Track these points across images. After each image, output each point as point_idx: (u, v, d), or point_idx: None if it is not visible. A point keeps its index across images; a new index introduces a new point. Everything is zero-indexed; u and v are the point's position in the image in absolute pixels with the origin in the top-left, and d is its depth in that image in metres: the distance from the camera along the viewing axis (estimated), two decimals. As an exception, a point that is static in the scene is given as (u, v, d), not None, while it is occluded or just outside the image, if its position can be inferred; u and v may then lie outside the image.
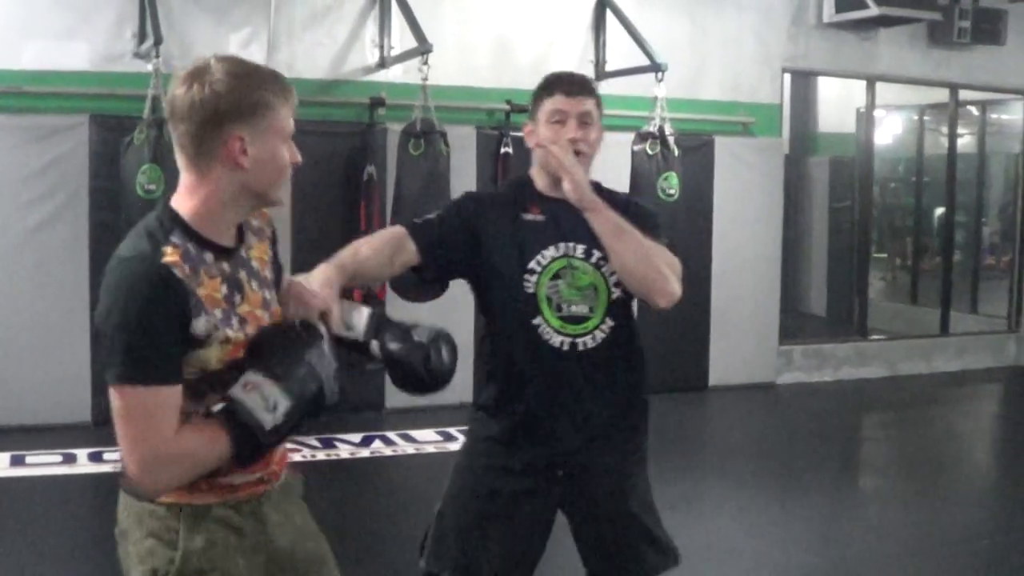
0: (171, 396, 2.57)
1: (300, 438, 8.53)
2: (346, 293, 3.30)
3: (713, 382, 11.38)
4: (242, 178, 2.68)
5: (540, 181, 3.70)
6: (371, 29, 9.93)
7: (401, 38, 9.75)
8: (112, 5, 9.03)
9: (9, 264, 8.68)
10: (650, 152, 9.29)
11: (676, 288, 3.65)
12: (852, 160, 14.38)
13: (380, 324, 3.10)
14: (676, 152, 9.31)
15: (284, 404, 2.64)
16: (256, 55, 9.31)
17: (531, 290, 3.57)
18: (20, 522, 6.78)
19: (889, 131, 15.15)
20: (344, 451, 8.47)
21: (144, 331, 2.52)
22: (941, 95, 13.30)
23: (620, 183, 9.38)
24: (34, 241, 8.71)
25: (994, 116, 14.83)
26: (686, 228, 9.74)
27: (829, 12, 11.64)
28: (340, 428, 8.84)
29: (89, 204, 8.77)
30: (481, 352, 3.77)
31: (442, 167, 8.72)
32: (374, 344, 3.07)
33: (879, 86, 12.56)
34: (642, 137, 9.41)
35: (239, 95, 2.62)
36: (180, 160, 2.71)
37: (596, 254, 3.60)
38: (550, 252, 3.59)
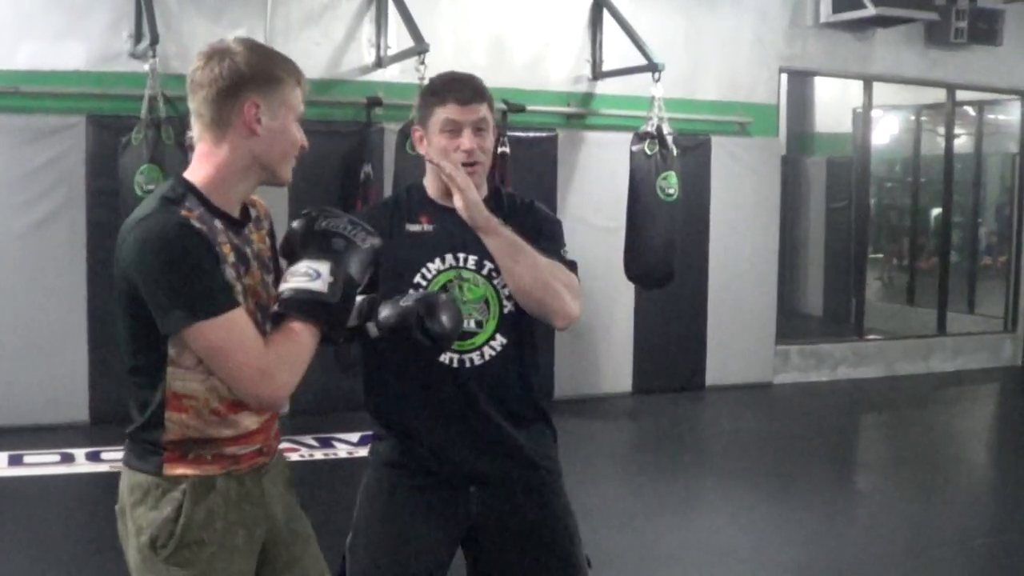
0: (242, 316, 2.70)
1: (297, 437, 8.55)
2: None
3: (710, 382, 11.39)
4: (255, 147, 2.80)
5: (432, 188, 3.54)
6: (368, 29, 9.93)
7: (398, 38, 9.75)
8: (108, 5, 9.02)
9: (6, 264, 8.67)
10: (648, 152, 9.28)
11: (574, 309, 3.44)
12: (849, 160, 14.38)
13: (371, 305, 3.11)
14: (675, 151, 9.31)
15: (324, 267, 2.78)
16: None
17: None
18: (18, 522, 6.78)
19: (886, 131, 15.15)
20: (342, 451, 8.48)
21: (190, 269, 2.63)
22: (938, 95, 13.31)
23: (618, 182, 9.43)
24: (31, 241, 8.71)
25: (991, 116, 14.84)
26: (683, 228, 9.74)
27: (826, 12, 11.65)
28: (338, 427, 8.85)
29: (86, 204, 8.78)
30: (372, 373, 3.58)
31: (439, 166, 8.70)
32: (369, 325, 3.09)
33: (876, 86, 12.57)
34: (640, 137, 9.39)
35: (258, 66, 2.78)
36: (196, 129, 2.83)
37: (488, 265, 3.43)
38: (435, 265, 3.44)
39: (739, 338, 11.40)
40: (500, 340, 3.44)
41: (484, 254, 3.41)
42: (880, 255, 15.85)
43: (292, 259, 2.84)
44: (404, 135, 8.77)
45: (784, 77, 12.07)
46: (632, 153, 9.41)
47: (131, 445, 2.86)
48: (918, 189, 14.80)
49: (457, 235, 3.44)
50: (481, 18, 10.33)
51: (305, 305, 2.75)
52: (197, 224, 2.68)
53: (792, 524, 7.19)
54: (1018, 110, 13.54)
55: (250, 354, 2.68)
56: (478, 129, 3.42)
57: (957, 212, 14.13)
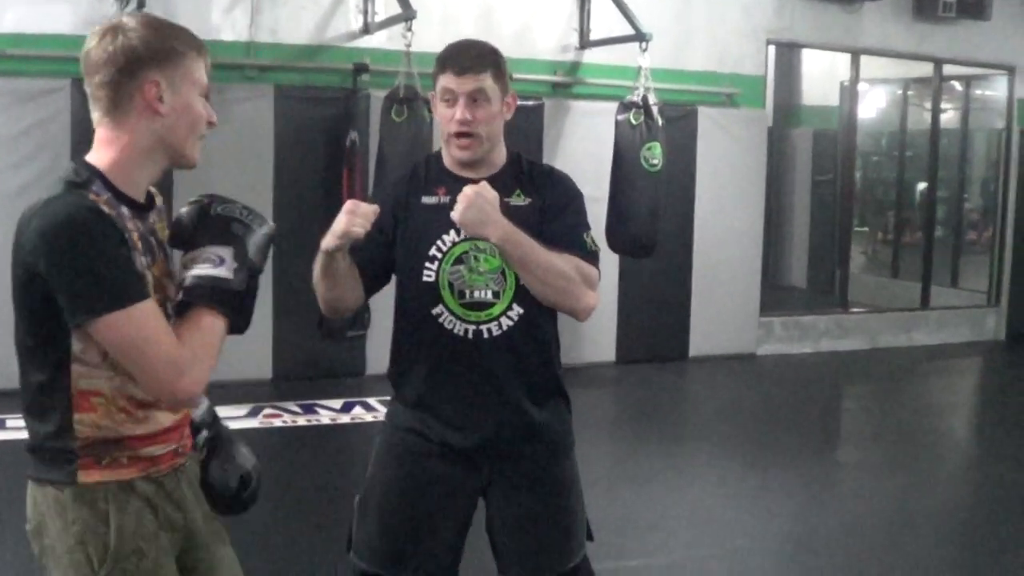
0: (152, 308, 2.54)
1: (281, 403, 8.55)
2: None
3: (693, 352, 11.42)
4: (158, 127, 2.66)
5: (448, 158, 3.54)
6: (355, -6, 9.90)
7: (385, 4, 9.72)
8: (95, -32, 8.98)
9: (-10, 227, 8.64)
10: (634, 122, 9.26)
11: (589, 302, 3.43)
12: (835, 133, 14.40)
13: (215, 419, 3.01)
14: (660, 122, 9.30)
15: (227, 252, 2.67)
16: (240, 20, 9.31)
17: (430, 278, 3.42)
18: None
19: (873, 105, 15.16)
20: (325, 417, 8.48)
21: (100, 256, 2.48)
22: (925, 69, 13.30)
23: (604, 152, 9.41)
24: (16, 205, 8.49)
25: (978, 91, 14.86)
26: (668, 198, 9.74)
27: (814, -16, 11.65)
28: (321, 394, 8.86)
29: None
30: (393, 343, 3.63)
31: (425, 133, 8.70)
32: (202, 436, 2.97)
33: (863, 59, 12.57)
34: (626, 107, 9.37)
35: (154, 42, 2.63)
36: (95, 114, 2.68)
37: None
38: (451, 236, 3.42)
39: (723, 309, 11.43)
40: (517, 310, 3.44)
41: None
42: (865, 228, 15.88)
43: (187, 246, 2.71)
44: (390, 102, 8.75)
45: (772, 49, 12.07)
46: (617, 123, 9.39)
47: (38, 458, 2.69)
48: (904, 163, 14.82)
49: None
50: (469, -15, 10.30)
51: (212, 292, 2.64)
52: (106, 209, 2.55)
53: (774, 494, 7.22)
54: (1005, 85, 13.54)
55: (163, 348, 2.53)
56: (473, 100, 3.40)
57: (942, 187, 14.15)
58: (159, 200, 2.85)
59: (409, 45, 8.76)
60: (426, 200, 3.49)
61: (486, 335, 3.43)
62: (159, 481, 2.75)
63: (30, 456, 2.69)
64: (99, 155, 2.66)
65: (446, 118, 3.43)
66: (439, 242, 3.44)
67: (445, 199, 3.44)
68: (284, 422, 8.23)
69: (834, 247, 13.80)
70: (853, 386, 11.49)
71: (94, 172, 2.63)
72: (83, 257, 2.47)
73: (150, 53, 2.62)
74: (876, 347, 12.60)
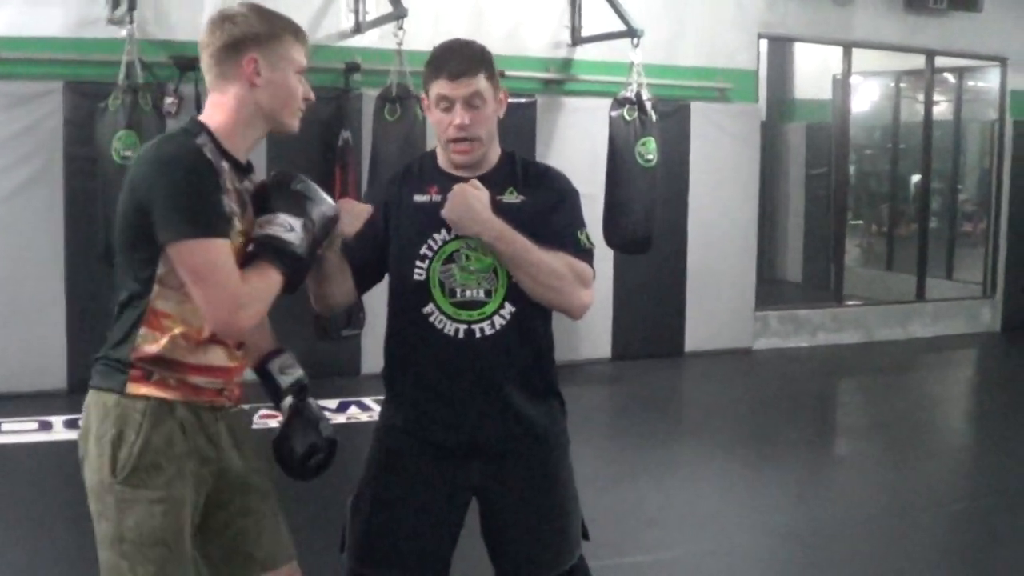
0: (227, 247, 2.88)
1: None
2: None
3: (689, 348, 11.41)
4: (258, 97, 3.05)
5: (442, 157, 3.52)
6: (346, -7, 9.89)
7: (376, 3, 9.70)
8: (86, -30, 8.97)
9: (-17, 230, 8.64)
10: (627, 118, 9.27)
11: (583, 301, 3.44)
12: (828, 127, 14.42)
13: (304, 390, 3.42)
14: (654, 117, 9.30)
15: (297, 223, 3.02)
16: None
17: (421, 277, 3.40)
18: (-4, 489, 6.78)
19: (865, 98, 15.18)
20: (321, 417, 8.45)
21: (194, 191, 2.85)
22: (917, 62, 13.30)
23: (597, 148, 9.42)
24: (9, 208, 8.66)
25: (970, 83, 14.86)
26: (662, 194, 9.74)
27: (806, -22, 11.65)
28: (316, 393, 8.68)
29: (64, 171, 8.74)
30: (386, 343, 3.61)
31: (418, 132, 8.69)
32: (287, 401, 3.37)
33: (855, 52, 12.56)
34: (619, 103, 9.38)
35: (256, 25, 3.05)
36: (208, 82, 3.09)
37: None
38: (442, 235, 3.39)
39: (718, 304, 11.43)
40: (509, 308, 3.41)
41: None
42: (859, 221, 15.90)
43: (264, 210, 3.04)
44: (383, 101, 8.76)
45: (764, 43, 12.06)
46: (611, 119, 9.39)
47: (99, 367, 2.99)
48: (897, 155, 14.85)
49: None
50: (460, -17, 10.29)
51: (280, 252, 2.98)
52: (209, 156, 2.91)
53: (771, 488, 7.22)
54: (997, 77, 13.53)
55: (229, 281, 2.85)
56: (471, 105, 3.37)
57: (936, 178, 14.17)
58: (256, 177, 3.19)
59: (401, 44, 8.77)
60: (418, 199, 3.46)
61: (478, 334, 3.40)
62: (197, 411, 3.01)
63: (95, 364, 3.01)
64: (210, 116, 3.06)
65: (443, 124, 3.40)
66: (430, 241, 3.41)
67: (437, 198, 3.42)
68: (279, 421, 8.22)
69: (829, 240, 13.81)
70: (849, 379, 11.49)
71: (204, 127, 3.01)
72: (180, 187, 2.83)
73: (251, 33, 3.03)
74: (872, 340, 12.60)
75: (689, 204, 11.21)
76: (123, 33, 8.25)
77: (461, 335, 3.40)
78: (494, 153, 3.52)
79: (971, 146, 15.19)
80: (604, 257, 10.28)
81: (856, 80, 13.20)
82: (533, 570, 3.58)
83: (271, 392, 3.37)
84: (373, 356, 9.13)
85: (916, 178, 14.32)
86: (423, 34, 9.38)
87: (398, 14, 8.81)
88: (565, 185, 3.58)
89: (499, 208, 3.37)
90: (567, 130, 10.44)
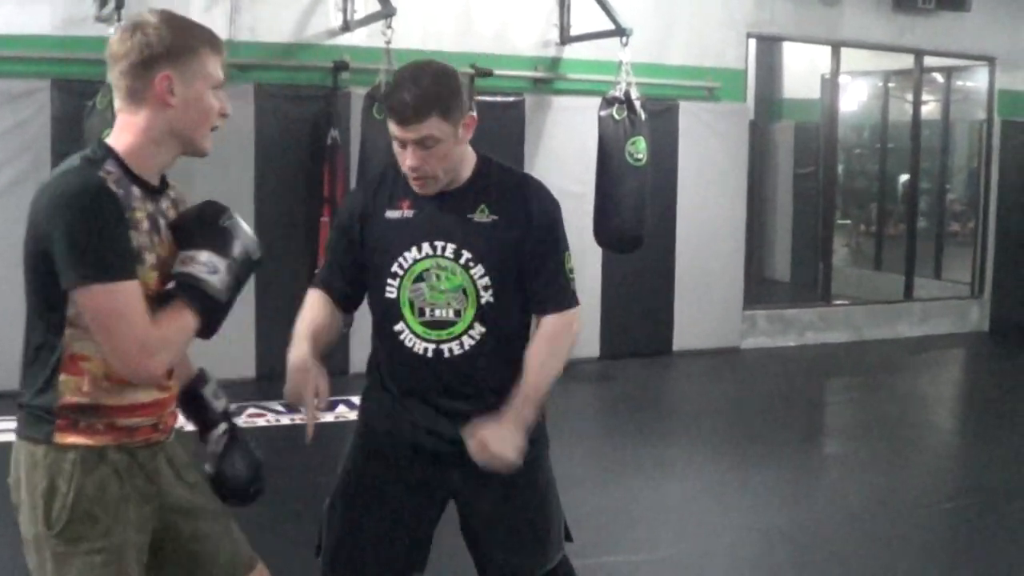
0: (136, 289, 2.72)
1: (264, 403, 8.53)
2: None
3: (677, 347, 11.41)
4: (170, 117, 2.85)
5: None
6: (335, -8, 9.88)
7: (365, 2, 9.68)
8: (73, -31, 8.95)
9: (-30, 229, 8.61)
10: (617, 117, 9.27)
11: (575, 338, 3.52)
12: (817, 126, 14.42)
13: (231, 414, 3.31)
14: (643, 116, 9.30)
15: (222, 264, 2.87)
16: (219, 19, 9.25)
17: (392, 295, 3.38)
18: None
19: (854, 97, 15.19)
20: (308, 416, 8.43)
21: (95, 232, 2.67)
22: (906, 62, 13.31)
23: (585, 147, 9.42)
24: (-3, 205, 8.65)
25: (959, 83, 14.87)
26: (651, 193, 9.75)
27: (795, -23, 11.65)
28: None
29: (51, 169, 8.69)
30: (372, 339, 3.60)
31: (407, 131, 8.67)
32: (222, 427, 3.24)
33: (844, 52, 12.57)
34: (608, 102, 9.38)
35: (169, 39, 2.82)
36: (116, 100, 2.90)
37: (466, 255, 3.35)
38: (412, 254, 3.36)
39: (707, 303, 11.43)
40: (479, 329, 3.38)
41: (462, 243, 3.36)
42: (848, 221, 15.91)
43: (187, 243, 2.90)
44: (371, 99, 8.74)
45: (752, 42, 12.05)
46: (600, 118, 9.39)
47: (23, 415, 2.88)
48: (886, 155, 14.86)
49: (436, 223, 3.37)
50: (449, -19, 10.28)
51: (199, 295, 2.83)
52: (113, 187, 2.73)
53: (759, 487, 7.22)
54: (986, 76, 13.54)
55: (135, 326, 2.71)
56: (423, 145, 3.27)
57: (925, 178, 14.18)
58: (175, 191, 3.05)
59: (389, 42, 8.75)
60: (390, 215, 3.42)
61: (447, 354, 3.38)
62: (132, 452, 2.89)
63: (19, 413, 2.89)
64: (117, 138, 2.86)
65: (400, 157, 3.34)
66: (401, 259, 3.38)
67: (409, 213, 3.40)
68: (267, 421, 8.21)
69: (817, 240, 13.80)
70: (837, 379, 11.49)
71: (110, 152, 2.83)
72: (80, 227, 2.66)
73: (165, 49, 2.81)
74: (860, 339, 12.61)
75: (678, 203, 11.21)
76: (111, 31, 8.18)
77: (430, 354, 3.38)
78: (466, 167, 3.44)
79: (959, 146, 15.21)
80: (593, 256, 10.32)
81: (844, 80, 13.22)
82: (515, 571, 3.57)
83: (198, 417, 3.24)
84: (361, 356, 8.98)
85: (904, 178, 14.33)
86: (412, 33, 9.42)
87: (386, 13, 8.80)
88: (543, 200, 3.50)
89: (468, 226, 3.36)
90: (556, 129, 10.43)
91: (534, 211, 3.44)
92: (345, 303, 3.57)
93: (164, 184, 2.98)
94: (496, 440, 3.26)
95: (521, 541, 3.54)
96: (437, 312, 3.36)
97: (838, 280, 13.36)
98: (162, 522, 2.98)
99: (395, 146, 3.34)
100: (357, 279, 3.51)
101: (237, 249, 2.92)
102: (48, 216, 2.70)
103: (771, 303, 12.97)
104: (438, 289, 3.35)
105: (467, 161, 3.44)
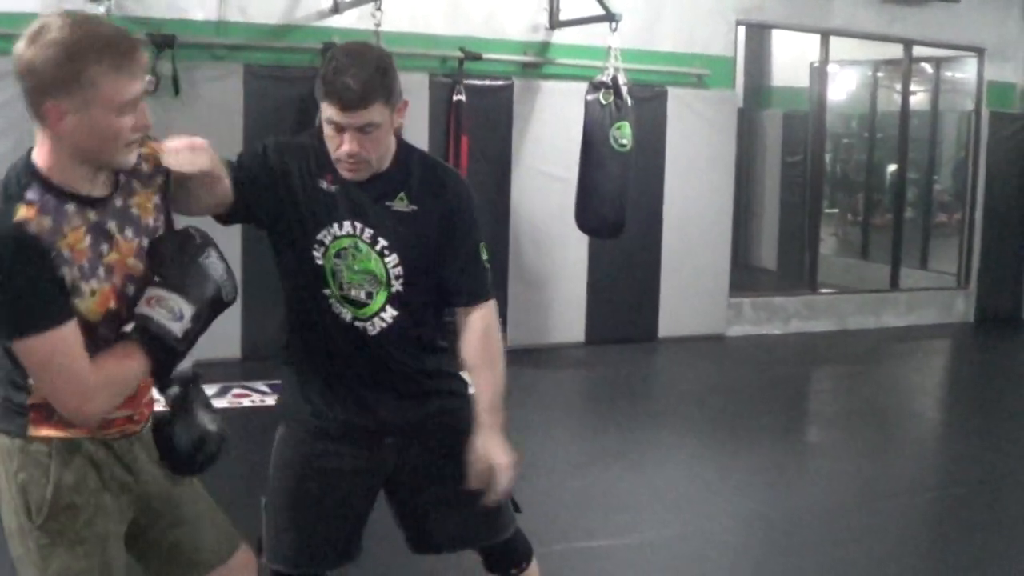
0: (69, 334, 2.62)
1: (249, 383, 8.53)
2: None
3: (663, 333, 11.42)
4: (74, 143, 2.65)
5: None
6: (324, -26, 9.87)
7: (355, -16, 9.68)
8: (61, -54, 8.91)
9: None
10: (603, 102, 9.27)
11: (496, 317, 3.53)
12: (805, 115, 14.42)
13: (194, 380, 3.15)
14: (630, 102, 9.30)
15: (189, 311, 2.79)
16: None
17: (320, 262, 3.33)
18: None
19: (843, 86, 15.20)
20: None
21: (19, 283, 2.55)
22: (895, 51, 13.32)
23: (573, 132, 9.41)
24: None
25: (948, 73, 14.88)
26: (638, 179, 9.75)
27: (785, -35, 11.65)
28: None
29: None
30: (286, 326, 3.54)
31: (394, 111, 8.67)
32: (173, 390, 3.10)
33: (833, 41, 12.57)
34: (595, 87, 9.37)
35: (59, 69, 2.58)
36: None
37: (382, 242, 3.33)
38: (335, 229, 3.32)
39: (692, 290, 11.44)
40: (391, 312, 3.37)
41: (379, 229, 3.33)
42: (835, 210, 15.93)
43: (160, 272, 2.82)
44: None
45: (742, 29, 12.04)
46: (587, 102, 9.39)
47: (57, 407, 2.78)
48: (874, 145, 14.88)
49: (359, 204, 3.33)
50: (439, -35, 10.26)
51: (156, 342, 2.76)
52: (34, 228, 2.58)
53: (743, 474, 7.23)
54: (975, 67, 13.55)
55: (72, 373, 2.64)
56: (363, 131, 3.21)
57: (912, 168, 14.20)
58: (148, 165, 2.91)
59: (379, 25, 8.75)
60: (323, 185, 3.33)
61: (361, 330, 3.37)
62: (108, 444, 2.88)
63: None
64: (38, 154, 2.71)
65: (332, 144, 3.25)
66: (327, 230, 3.33)
67: (332, 188, 3.33)
68: (253, 401, 8.21)
69: (804, 228, 13.83)
70: (822, 367, 11.51)
71: (34, 175, 2.67)
72: (2, 283, 2.55)
73: (52, 80, 2.59)
74: (846, 328, 12.64)
75: (665, 190, 11.20)
76: (101, 10, 8.21)
77: (354, 323, 3.37)
78: (388, 153, 3.37)
79: (947, 136, 15.22)
80: (578, 241, 10.33)
81: (833, 69, 13.23)
82: (461, 544, 3.62)
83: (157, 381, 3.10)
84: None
85: (892, 168, 14.36)
86: (400, 16, 9.41)
87: (376, -6, 8.80)
88: (462, 191, 3.47)
89: (387, 214, 3.34)
90: (544, 113, 10.41)
91: (451, 202, 3.41)
92: (235, 195, 3.29)
93: (117, 182, 2.83)
94: (499, 455, 3.30)
95: (463, 513, 3.51)
96: (352, 292, 3.35)
97: (824, 269, 13.38)
98: (141, 511, 2.98)
99: (327, 129, 3.24)
100: (245, 199, 3.31)
101: (210, 291, 2.86)
102: None
103: (757, 291, 12.98)
104: (352, 269, 3.33)
105: (380, 161, 3.35)
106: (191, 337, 2.82)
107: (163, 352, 2.78)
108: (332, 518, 3.47)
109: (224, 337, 8.96)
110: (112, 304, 2.76)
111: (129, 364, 2.74)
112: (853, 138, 16.27)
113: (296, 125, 9.33)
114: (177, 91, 8.53)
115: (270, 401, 8.19)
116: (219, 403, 7.93)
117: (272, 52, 9.60)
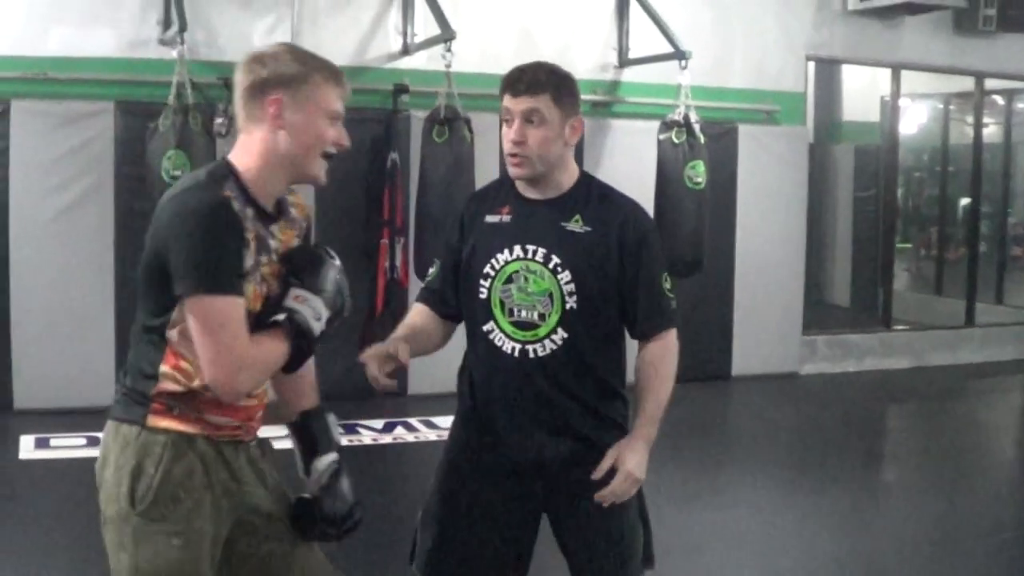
0: (241, 307, 2.85)
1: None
2: None
3: (736, 371, 11.36)
4: (280, 141, 2.96)
5: (520, 181, 3.56)
6: (394, 16, 9.94)
7: (425, 25, 9.74)
8: (138, -8, 9.06)
9: (35, 249, 8.71)
10: (676, 140, 9.28)
11: (676, 351, 3.69)
12: (877, 149, 14.34)
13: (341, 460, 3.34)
14: (702, 140, 9.30)
15: (325, 314, 3.01)
16: (280, 41, 9.34)
17: (484, 295, 3.49)
18: (44, 504, 6.81)
19: (914, 120, 15.08)
20: (367, 437, 8.48)
21: (213, 246, 2.80)
22: (966, 84, 13.23)
23: (644, 170, 9.41)
24: (60, 226, 8.73)
25: (1020, 105, 14.75)
26: (710, 217, 9.73)
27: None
28: (363, 414, 8.84)
29: (114, 190, 8.82)
30: (462, 360, 3.69)
31: (466, 153, 8.72)
32: (330, 457, 3.29)
33: (904, 74, 12.50)
34: (667, 125, 9.40)
35: (284, 65, 2.98)
36: (238, 122, 3.04)
37: (555, 260, 3.44)
38: (504, 255, 3.47)
39: (766, 328, 11.37)
40: (562, 334, 3.45)
41: (553, 247, 3.44)
42: (908, 245, 15.79)
43: (300, 279, 3.01)
44: (431, 122, 8.80)
45: (812, 65, 12.02)
46: (659, 142, 9.42)
47: (120, 399, 3.01)
48: (946, 178, 14.74)
49: (530, 226, 3.48)
50: (508, 5, 10.32)
51: (301, 333, 2.95)
52: (235, 206, 2.86)
53: (818, 515, 7.17)
54: (1048, 99, 13.45)
55: (235, 341, 2.81)
56: (528, 120, 3.41)
57: (986, 202, 14.07)
58: (297, 211, 3.20)
59: (449, 65, 8.80)
60: (489, 219, 3.54)
61: (531, 355, 3.45)
62: (218, 445, 3.00)
63: (116, 396, 3.04)
64: (238, 158, 3.01)
65: (505, 138, 3.46)
66: (493, 260, 3.48)
67: (507, 218, 3.52)
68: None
69: (877, 264, 13.72)
70: (898, 405, 11.40)
71: (231, 171, 2.96)
72: (202, 241, 2.79)
73: (278, 74, 2.96)
74: (921, 365, 12.49)
75: (737, 227, 11.18)
76: (174, 54, 8.33)
77: (516, 354, 3.45)
78: (567, 177, 3.53)
79: (1021, 168, 15.06)
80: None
81: (904, 102, 13.13)
82: None
83: (309, 443, 3.29)
84: (420, 377, 9.12)
85: (965, 201, 14.23)
86: (471, 56, 9.45)
87: (446, 36, 8.85)
88: (640, 220, 3.56)
89: (560, 233, 3.44)
90: (615, 152, 10.42)
91: (628, 229, 3.49)
92: (446, 310, 3.65)
93: (281, 208, 3.09)
94: (632, 460, 3.41)
95: (598, 559, 3.57)
96: (523, 313, 3.45)
97: (898, 305, 13.26)
98: (239, 519, 3.06)
99: (503, 129, 3.46)
100: (459, 286, 3.60)
101: (338, 303, 3.06)
102: (172, 227, 2.82)
103: (831, 328, 12.87)
104: (525, 291, 3.45)
105: (570, 172, 3.54)
106: (323, 339, 3.02)
107: (303, 346, 2.97)
108: (482, 542, 3.56)
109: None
110: (258, 307, 2.95)
111: (279, 348, 2.93)
112: (925, 172, 16.14)
113: (368, 165, 9.42)
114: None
115: (343, 441, 8.19)
116: (291, 444, 7.92)
117: (343, 93, 9.69)
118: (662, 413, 3.51)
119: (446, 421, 8.72)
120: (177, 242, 2.79)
